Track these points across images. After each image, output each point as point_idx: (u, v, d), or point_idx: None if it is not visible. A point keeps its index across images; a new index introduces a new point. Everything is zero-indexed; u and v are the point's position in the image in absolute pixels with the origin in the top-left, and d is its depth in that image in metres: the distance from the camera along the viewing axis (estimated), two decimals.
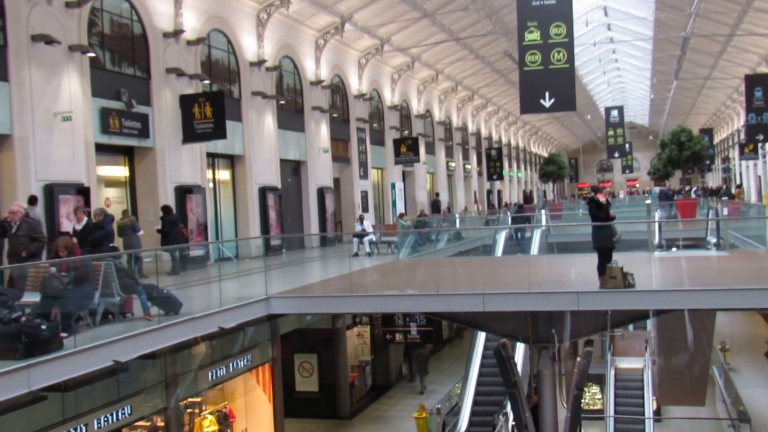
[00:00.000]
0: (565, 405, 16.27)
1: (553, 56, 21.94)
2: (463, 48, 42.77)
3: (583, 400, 21.04)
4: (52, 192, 16.79)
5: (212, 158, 24.79)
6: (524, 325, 15.10)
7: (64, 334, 10.06)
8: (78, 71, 18.25)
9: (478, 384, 21.72)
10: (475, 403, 21.32)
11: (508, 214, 36.37)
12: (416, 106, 45.31)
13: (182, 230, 20.62)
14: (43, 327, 9.81)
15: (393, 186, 40.33)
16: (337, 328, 24.57)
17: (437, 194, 46.44)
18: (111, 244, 14.22)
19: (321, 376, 24.57)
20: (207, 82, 23.91)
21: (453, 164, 52.78)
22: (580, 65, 54.80)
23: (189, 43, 22.76)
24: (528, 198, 48.71)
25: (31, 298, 11.26)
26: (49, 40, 17.06)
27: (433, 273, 18.28)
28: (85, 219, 14.36)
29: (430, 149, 47.79)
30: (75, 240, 13.02)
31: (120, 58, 20.57)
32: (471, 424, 20.68)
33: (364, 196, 36.17)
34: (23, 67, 16.62)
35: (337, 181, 34.12)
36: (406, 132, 42.98)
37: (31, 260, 12.38)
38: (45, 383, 9.39)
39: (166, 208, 20.13)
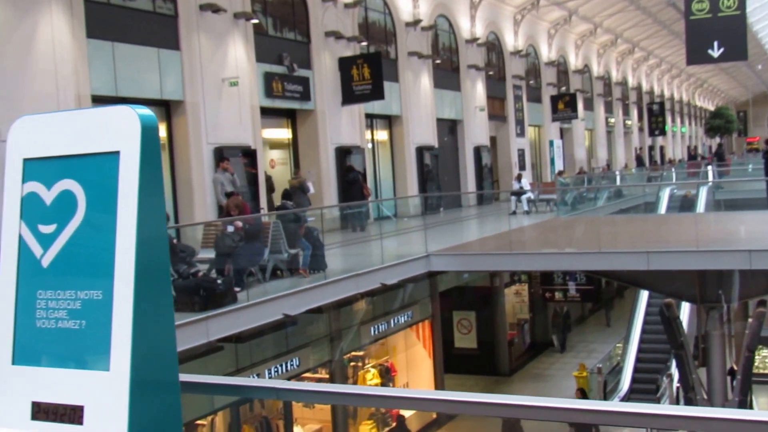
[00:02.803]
0: (735, 367, 15.68)
1: (723, 3, 20.84)
2: None
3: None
4: (221, 154, 17.54)
5: (370, 119, 25.18)
6: (691, 284, 14.64)
7: (237, 289, 10.64)
8: (243, 38, 18.93)
9: (641, 342, 21.27)
10: (638, 360, 20.91)
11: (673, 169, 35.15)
12: (574, 62, 44.15)
13: (364, 188, 21.36)
14: (219, 282, 10.43)
15: (551, 143, 39.61)
16: (495, 286, 24.61)
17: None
18: None
19: (479, 333, 24.69)
20: (364, 44, 24.21)
21: (612, 120, 51.20)
22: (751, 12, 51.55)
23: (346, 6, 23.10)
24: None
25: (207, 254, 11.97)
26: (215, 9, 17.75)
27: (593, 231, 17.99)
28: None
29: (589, 105, 46.52)
30: None
31: (281, 24, 21.18)
32: (634, 381, 20.32)
33: (521, 154, 35.77)
34: (193, 36, 17.41)
35: (493, 139, 33.89)
36: (564, 88, 41.96)
37: None
38: (222, 334, 10.00)
39: (346, 168, 21.26)
